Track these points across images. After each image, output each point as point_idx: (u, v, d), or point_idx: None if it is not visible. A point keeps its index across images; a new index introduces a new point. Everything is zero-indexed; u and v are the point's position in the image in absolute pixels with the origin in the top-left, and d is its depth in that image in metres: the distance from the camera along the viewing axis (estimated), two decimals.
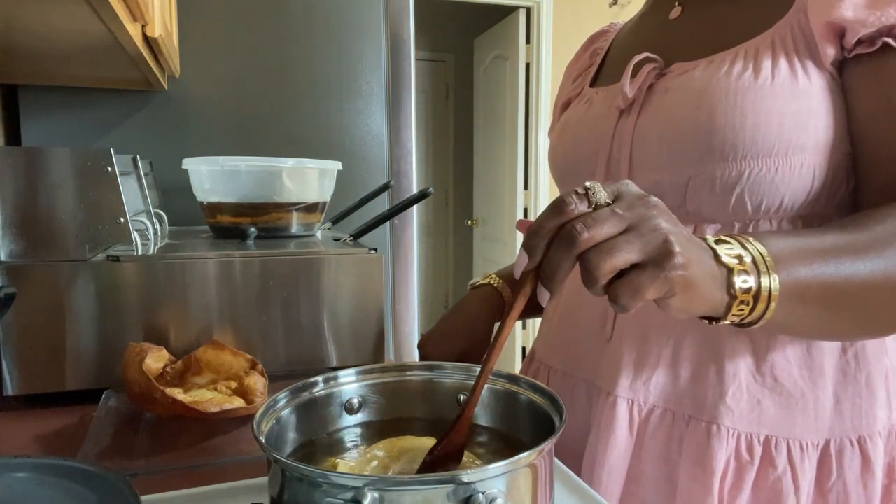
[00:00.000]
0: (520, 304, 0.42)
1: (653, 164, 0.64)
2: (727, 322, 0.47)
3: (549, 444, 0.40)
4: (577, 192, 0.41)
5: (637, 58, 0.66)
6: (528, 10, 3.38)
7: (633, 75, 0.66)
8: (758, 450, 0.59)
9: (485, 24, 3.95)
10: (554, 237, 0.40)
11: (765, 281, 0.46)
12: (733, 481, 0.60)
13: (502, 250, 3.75)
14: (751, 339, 0.60)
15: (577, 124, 0.75)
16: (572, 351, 0.73)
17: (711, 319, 0.48)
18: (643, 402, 0.64)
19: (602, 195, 0.41)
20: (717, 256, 0.45)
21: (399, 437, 0.51)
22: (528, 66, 3.43)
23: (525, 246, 0.42)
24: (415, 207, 1.49)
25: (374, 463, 0.48)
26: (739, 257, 0.46)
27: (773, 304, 0.46)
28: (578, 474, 0.68)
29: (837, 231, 0.52)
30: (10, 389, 0.77)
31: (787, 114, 0.56)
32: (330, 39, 1.42)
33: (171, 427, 0.70)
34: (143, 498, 0.43)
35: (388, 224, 1.51)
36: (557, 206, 0.41)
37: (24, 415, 0.76)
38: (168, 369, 0.75)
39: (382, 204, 1.41)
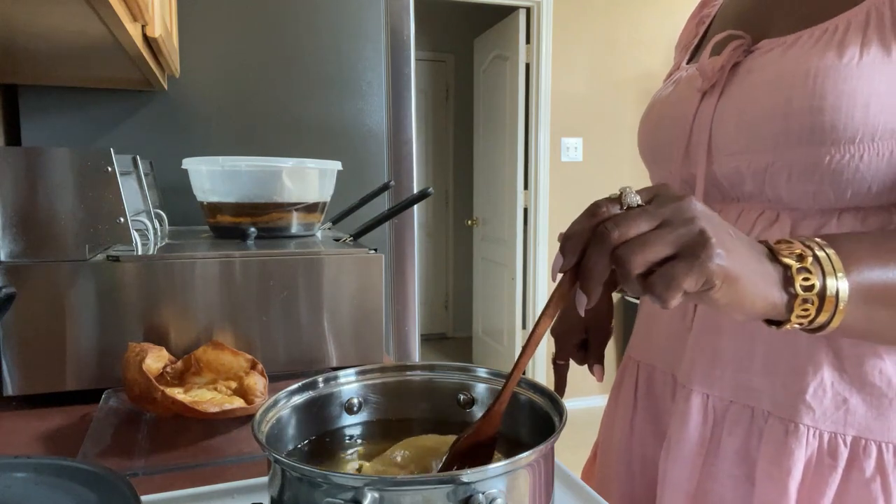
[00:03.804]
0: (554, 304, 0.43)
1: (732, 150, 0.60)
2: (794, 325, 0.45)
3: (548, 444, 0.40)
4: (609, 198, 0.41)
5: (719, 36, 0.62)
6: (528, 10, 3.37)
7: (720, 52, 0.62)
8: (843, 452, 0.55)
9: (485, 24, 3.96)
10: (589, 240, 0.41)
11: (830, 281, 0.43)
12: (814, 484, 0.56)
13: (502, 250, 3.75)
14: None
15: (661, 106, 0.72)
16: (657, 343, 0.72)
17: (775, 324, 0.46)
18: (718, 396, 0.62)
19: (634, 198, 0.41)
20: (774, 256, 0.43)
21: (422, 436, 0.51)
22: (528, 66, 3.42)
23: (560, 249, 0.42)
24: (415, 207, 1.49)
25: (398, 460, 0.48)
26: (800, 255, 0.43)
27: (841, 305, 0.43)
28: (656, 471, 0.68)
29: None
30: (10, 389, 0.77)
31: (873, 95, 0.51)
32: (330, 39, 1.42)
33: (171, 427, 0.70)
34: (143, 498, 0.43)
35: (388, 224, 1.51)
36: (590, 210, 0.41)
37: (24, 415, 0.76)
38: (168, 369, 0.75)
39: (382, 204, 1.41)
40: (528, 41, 3.41)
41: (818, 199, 0.56)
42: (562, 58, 3.38)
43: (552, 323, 0.44)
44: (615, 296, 0.98)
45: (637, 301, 0.84)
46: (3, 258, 0.75)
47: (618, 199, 0.41)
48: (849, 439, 0.56)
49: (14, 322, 0.75)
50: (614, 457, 0.77)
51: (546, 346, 3.55)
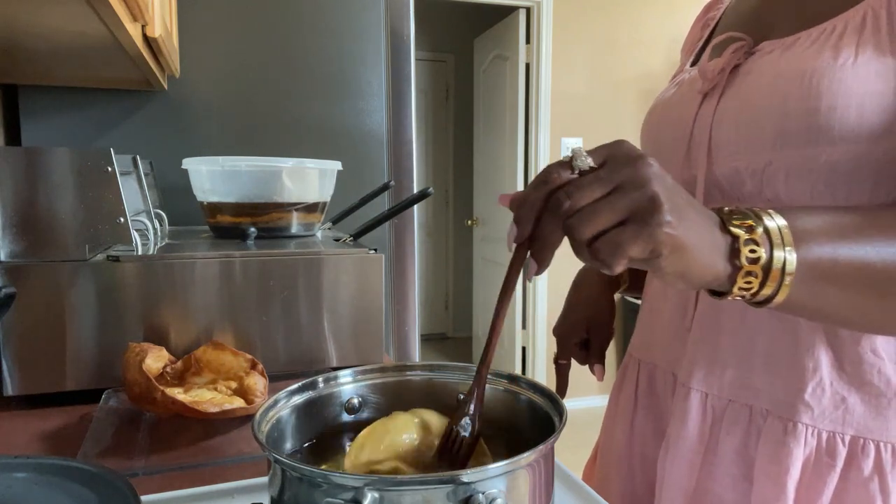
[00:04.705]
0: (514, 277, 0.42)
1: (731, 150, 0.60)
2: (736, 297, 0.44)
3: (548, 444, 0.40)
4: (560, 162, 0.40)
5: (719, 38, 0.63)
6: (528, 10, 3.37)
7: (721, 54, 0.62)
8: (841, 451, 0.56)
9: (485, 24, 3.96)
10: (542, 208, 0.40)
11: (778, 254, 0.42)
12: (812, 483, 0.56)
13: (502, 250, 3.75)
14: (829, 331, 0.56)
15: (663, 107, 0.72)
16: (657, 342, 0.72)
17: (718, 294, 0.45)
18: (717, 394, 0.62)
19: (585, 161, 0.40)
20: (724, 225, 0.43)
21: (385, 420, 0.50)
22: (528, 66, 3.42)
23: (515, 219, 0.41)
24: (415, 207, 1.49)
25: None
26: (750, 227, 0.42)
27: (787, 280, 0.42)
28: (656, 469, 0.69)
29: (883, 209, 0.47)
30: (10, 389, 0.77)
31: (868, 96, 0.51)
32: (330, 39, 1.42)
33: (171, 427, 0.70)
34: (143, 498, 0.43)
35: (388, 224, 1.51)
36: (541, 177, 0.40)
37: (24, 415, 0.76)
38: (168, 369, 0.75)
39: (382, 204, 1.41)
40: (528, 41, 3.41)
41: (815, 198, 0.56)
42: (562, 58, 3.38)
43: (510, 302, 0.44)
44: (616, 296, 0.98)
45: (638, 301, 0.84)
46: (3, 258, 0.75)
47: (569, 164, 0.40)
48: (847, 439, 0.56)
49: (14, 322, 0.75)
50: (615, 455, 0.77)
51: (547, 346, 3.56)
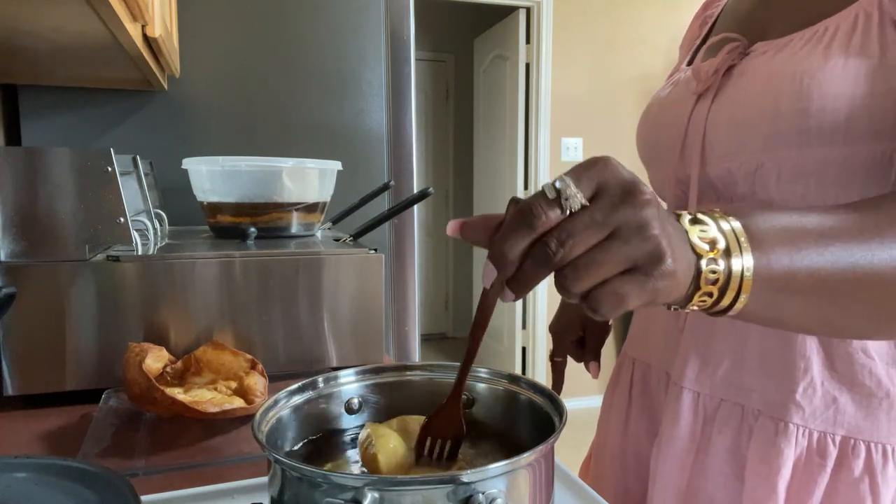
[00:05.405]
0: (488, 312, 0.41)
1: (724, 152, 0.61)
2: (689, 310, 0.42)
3: (549, 444, 0.40)
4: (545, 198, 0.35)
5: (714, 38, 0.64)
6: (528, 10, 3.38)
7: (716, 54, 0.63)
8: (832, 451, 0.56)
9: (485, 24, 3.96)
10: (526, 252, 0.36)
11: (735, 265, 0.39)
12: (802, 483, 0.57)
13: None
14: None
15: (658, 107, 0.72)
16: (653, 341, 0.73)
17: (672, 306, 0.43)
18: (709, 394, 0.63)
19: (577, 199, 0.35)
20: (689, 239, 0.39)
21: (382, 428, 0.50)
22: (528, 66, 3.43)
23: (493, 259, 0.37)
24: (415, 207, 1.49)
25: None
26: (713, 241, 0.39)
27: (743, 295, 0.40)
28: (647, 467, 0.69)
29: (845, 211, 0.45)
30: (10, 389, 0.77)
31: (858, 98, 0.51)
32: (330, 39, 1.42)
33: (171, 427, 0.70)
34: (143, 498, 0.43)
35: (388, 224, 1.51)
36: (525, 218, 0.35)
37: (24, 415, 0.76)
38: (168, 369, 0.75)
39: (382, 204, 1.41)
40: (528, 41, 3.41)
41: (807, 200, 0.56)
42: (562, 58, 3.38)
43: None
44: None
45: None
46: (3, 258, 0.75)
47: (556, 201, 0.35)
48: (838, 439, 0.56)
49: (14, 322, 0.75)
50: (609, 454, 0.77)
51: (547, 346, 3.55)
